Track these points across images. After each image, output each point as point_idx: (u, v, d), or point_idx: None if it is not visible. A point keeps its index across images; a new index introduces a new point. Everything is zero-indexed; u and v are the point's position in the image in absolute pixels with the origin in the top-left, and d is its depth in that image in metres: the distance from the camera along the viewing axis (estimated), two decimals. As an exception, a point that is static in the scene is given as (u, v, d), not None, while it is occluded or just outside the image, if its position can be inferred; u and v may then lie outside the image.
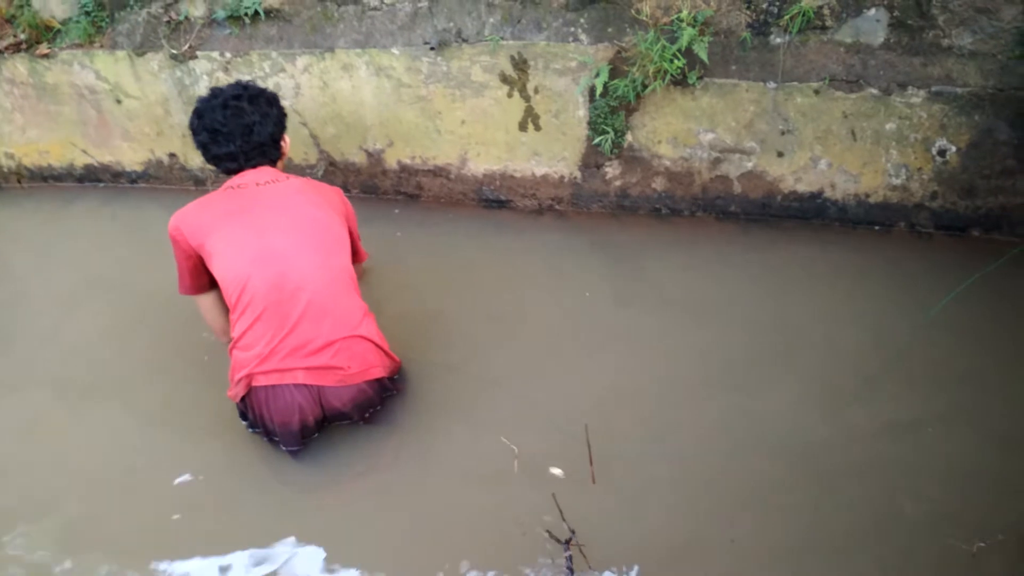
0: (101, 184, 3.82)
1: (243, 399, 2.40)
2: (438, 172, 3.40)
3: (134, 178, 3.75)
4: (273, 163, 2.54)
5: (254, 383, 2.33)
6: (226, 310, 2.55)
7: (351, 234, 2.57)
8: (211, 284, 2.53)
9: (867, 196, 3.05)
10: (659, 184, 3.22)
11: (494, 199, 3.43)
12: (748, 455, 2.38)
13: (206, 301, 2.60)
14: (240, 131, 2.41)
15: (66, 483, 2.47)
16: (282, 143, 2.57)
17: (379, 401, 2.53)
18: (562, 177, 3.29)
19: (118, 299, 3.12)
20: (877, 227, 3.11)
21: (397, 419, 2.57)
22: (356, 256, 2.64)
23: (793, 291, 2.90)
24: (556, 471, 2.38)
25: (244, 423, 2.49)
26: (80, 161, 3.76)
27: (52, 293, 3.20)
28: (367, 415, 2.51)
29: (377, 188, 3.51)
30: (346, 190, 3.52)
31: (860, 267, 2.96)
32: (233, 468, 2.47)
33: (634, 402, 2.56)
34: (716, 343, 2.74)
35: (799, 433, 2.43)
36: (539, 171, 3.29)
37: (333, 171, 3.49)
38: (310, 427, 2.41)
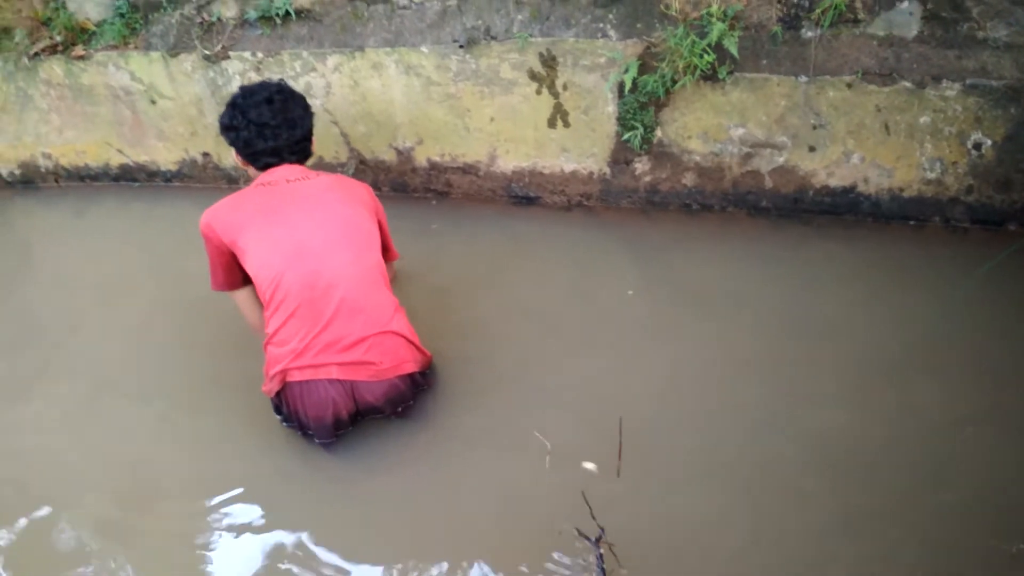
0: (136, 183, 3.88)
1: (278, 394, 2.43)
2: (467, 169, 3.41)
3: (169, 177, 3.81)
4: (304, 161, 2.58)
5: (288, 379, 2.36)
6: (260, 305, 2.58)
7: (381, 230, 2.59)
8: (244, 280, 2.57)
9: (901, 190, 3.02)
10: (689, 180, 3.21)
11: (523, 196, 3.44)
12: (780, 449, 2.37)
13: (240, 296, 2.64)
14: (286, 125, 2.47)
15: (99, 475, 2.52)
16: (312, 142, 2.61)
17: (411, 396, 2.55)
18: (591, 173, 3.29)
19: (153, 296, 3.17)
20: (911, 222, 3.08)
21: (429, 413, 2.59)
22: (387, 254, 2.67)
23: (825, 287, 2.88)
24: (589, 466, 2.39)
25: (278, 417, 2.52)
26: (116, 161, 3.83)
27: (89, 290, 3.26)
28: (399, 409, 2.53)
29: (407, 186, 3.53)
30: (376, 188, 3.54)
31: (894, 262, 2.93)
32: (267, 461, 2.51)
33: (666, 398, 2.56)
34: (748, 339, 2.72)
35: (832, 429, 2.41)
36: (568, 167, 3.30)
37: (363, 169, 3.52)
38: (344, 421, 2.44)
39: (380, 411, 2.50)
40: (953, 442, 2.35)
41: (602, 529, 2.08)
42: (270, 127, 2.45)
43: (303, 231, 2.36)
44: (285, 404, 2.44)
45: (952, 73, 2.73)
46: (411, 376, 2.51)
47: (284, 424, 2.52)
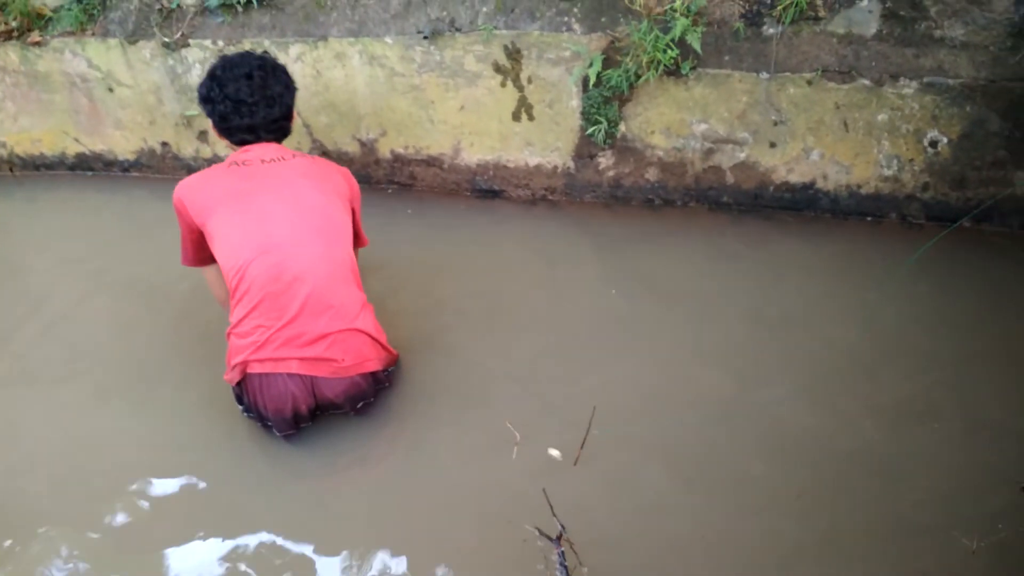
0: (93, 173, 3.80)
1: (239, 384, 2.40)
2: (431, 162, 3.40)
3: (126, 167, 3.74)
4: (282, 139, 2.53)
5: (249, 370, 2.34)
6: None
7: (354, 216, 2.55)
8: (214, 258, 2.49)
9: (859, 187, 3.06)
10: (652, 174, 3.23)
11: (487, 189, 3.43)
12: (740, 444, 2.40)
13: (210, 273, 2.61)
14: (264, 102, 2.40)
15: (45, 462, 2.49)
16: (294, 117, 2.56)
17: (372, 394, 2.53)
18: (555, 167, 3.29)
19: (111, 286, 3.12)
20: (868, 218, 3.13)
21: (392, 407, 2.58)
22: (357, 240, 2.62)
23: (784, 282, 2.91)
24: (554, 453, 2.40)
25: (240, 407, 2.50)
26: (72, 150, 3.75)
27: (44, 281, 3.19)
28: (359, 406, 2.51)
29: (370, 178, 3.51)
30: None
31: (851, 258, 2.97)
32: (227, 452, 2.48)
33: (627, 391, 2.57)
34: (709, 332, 2.75)
35: (791, 423, 2.44)
36: (532, 161, 3.30)
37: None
38: (303, 415, 2.42)
39: (340, 408, 2.48)
40: (910, 435, 2.39)
41: (563, 527, 2.07)
42: (247, 104, 2.38)
43: (272, 221, 2.32)
44: (245, 395, 2.41)
45: (910, 71, 2.78)
46: (373, 374, 2.49)
47: (245, 414, 2.50)
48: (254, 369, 2.33)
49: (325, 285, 2.32)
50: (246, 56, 2.45)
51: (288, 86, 2.49)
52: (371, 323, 2.45)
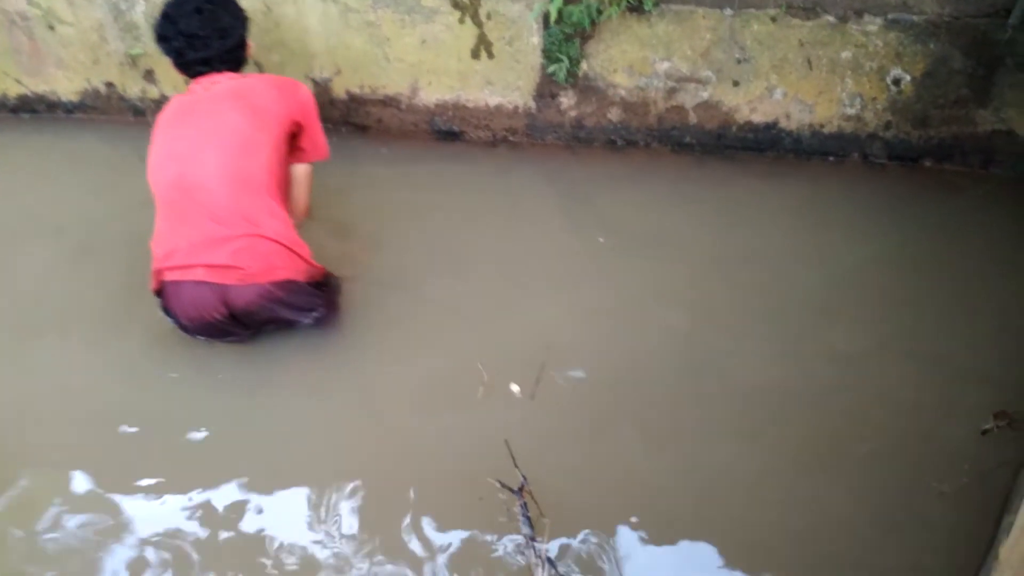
0: (35, 115, 3.65)
1: (160, 294, 2.47)
2: (388, 102, 3.30)
3: (70, 108, 3.59)
4: (238, 68, 2.57)
5: (163, 278, 2.43)
6: None
7: (301, 130, 2.58)
8: None
9: (821, 126, 3.04)
10: (614, 115, 3.17)
11: (447, 130, 3.35)
12: (699, 386, 2.41)
13: None
14: (216, 35, 2.47)
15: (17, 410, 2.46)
16: (248, 46, 2.61)
17: (301, 306, 2.53)
18: (516, 107, 3.22)
19: (58, 231, 3.01)
20: (831, 158, 3.11)
21: (346, 343, 2.59)
22: (304, 154, 2.65)
23: (746, 224, 2.90)
24: (514, 388, 2.39)
25: (168, 318, 2.52)
26: (14, 91, 3.58)
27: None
28: (306, 321, 2.54)
29: (326, 119, 3.38)
30: (294, 121, 3.41)
31: (813, 199, 2.97)
32: (178, 388, 2.50)
33: (586, 331, 2.57)
34: (671, 274, 2.74)
35: (750, 365, 2.45)
36: (492, 101, 3.22)
37: (280, 101, 3.37)
38: (218, 324, 2.45)
39: (259, 316, 2.48)
40: (868, 374, 2.41)
41: (524, 478, 2.06)
42: (200, 37, 2.44)
43: (182, 139, 2.41)
44: (165, 303, 2.48)
45: (875, 7, 2.74)
46: (292, 284, 2.48)
47: (172, 323, 2.53)
48: (166, 277, 2.41)
49: (228, 195, 2.38)
50: None
51: (238, 16, 2.55)
52: (284, 233, 2.46)
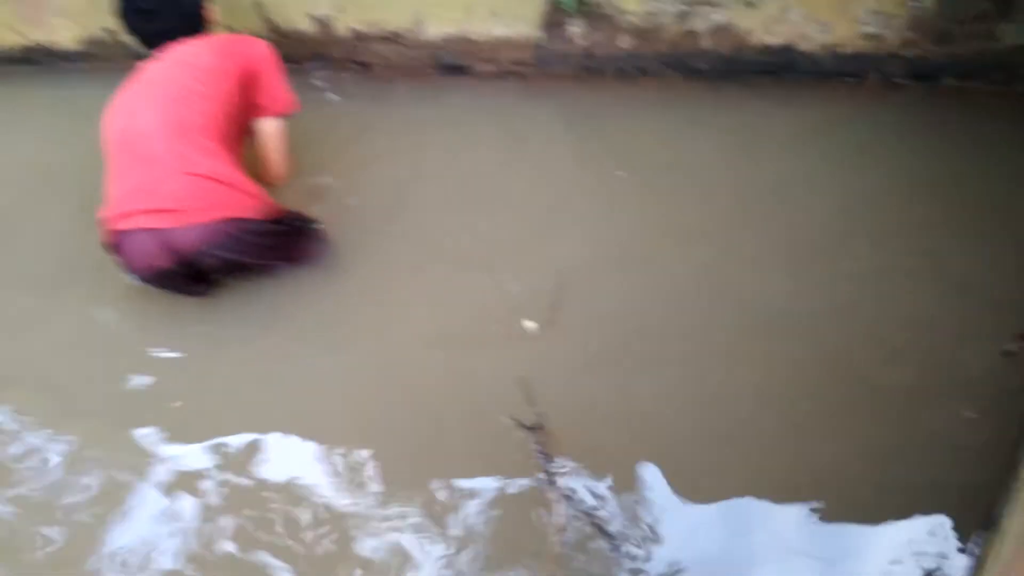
0: (37, 65, 3.60)
1: (113, 248, 2.48)
2: (393, 38, 3.22)
3: (72, 58, 3.54)
4: (198, 33, 2.59)
5: (108, 228, 2.43)
6: None
7: (256, 83, 2.59)
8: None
9: (840, 46, 2.94)
10: (625, 43, 3.08)
11: (453, 65, 3.28)
12: (717, 312, 2.41)
13: None
14: (169, 7, 2.54)
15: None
16: (207, 13, 2.65)
17: (256, 246, 2.49)
18: (524, 38, 3.14)
19: (67, 185, 3.00)
20: (849, 79, 3.02)
21: (355, 276, 2.59)
22: (265, 109, 2.66)
23: (765, 150, 2.84)
24: (529, 324, 2.39)
25: (126, 273, 2.52)
26: (13, 41, 3.54)
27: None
28: (250, 258, 2.50)
29: (330, 58, 3.33)
30: (295, 61, 3.34)
31: (831, 122, 2.90)
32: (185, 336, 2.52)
33: (604, 264, 2.56)
34: (687, 204, 2.70)
35: (774, 295, 2.44)
36: (499, 32, 3.13)
37: (281, 41, 3.29)
38: (171, 271, 2.44)
39: (208, 256, 2.43)
40: (894, 299, 2.37)
41: (540, 416, 2.05)
42: (150, 12, 2.53)
43: (133, 95, 2.47)
44: (117, 255, 2.48)
45: (894, -82, 2.62)
46: (239, 222, 2.43)
47: (130, 277, 2.53)
48: (112, 227, 2.41)
49: (164, 140, 2.38)
50: None
51: None
52: (224, 171, 2.43)
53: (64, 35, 3.46)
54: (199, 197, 2.38)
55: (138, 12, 2.54)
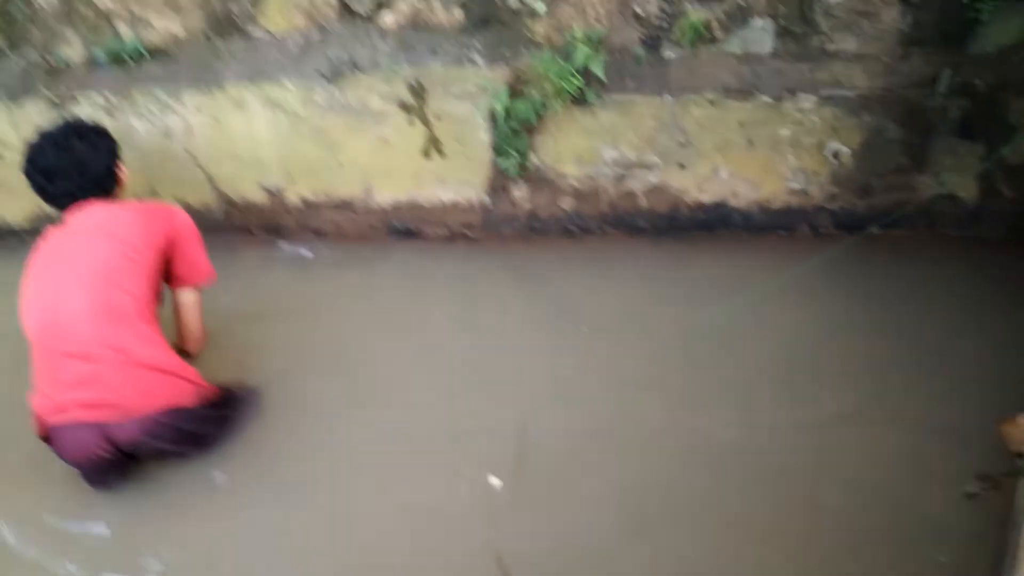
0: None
1: (46, 439, 2.37)
2: (343, 206, 3.31)
3: (22, 235, 3.54)
4: (109, 195, 2.51)
5: (45, 423, 2.32)
6: None
7: (175, 254, 2.54)
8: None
9: (768, 202, 3.10)
10: (567, 204, 3.21)
11: (404, 230, 3.36)
12: (672, 466, 2.37)
13: None
14: (75, 168, 2.42)
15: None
16: (118, 173, 2.57)
17: (196, 429, 2.44)
18: (470, 203, 3.25)
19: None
20: (781, 232, 3.16)
21: (299, 441, 2.50)
22: (183, 279, 2.62)
23: (706, 301, 2.91)
24: (494, 481, 2.33)
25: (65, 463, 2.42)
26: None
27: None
28: (189, 446, 2.44)
29: (282, 227, 3.40)
30: (248, 232, 3.40)
31: (768, 273, 2.98)
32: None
33: (559, 417, 2.54)
34: (636, 356, 2.73)
35: (724, 442, 2.42)
36: (447, 198, 3.25)
37: (232, 212, 3.36)
38: (106, 462, 2.34)
39: (148, 447, 2.37)
40: (841, 442, 2.39)
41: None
42: (57, 173, 2.42)
43: (47, 279, 2.34)
44: (53, 447, 2.37)
45: (807, 86, 2.84)
46: (176, 411, 2.37)
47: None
48: (47, 422, 2.31)
49: (93, 328, 2.28)
50: (61, 125, 2.51)
51: (97, 147, 2.50)
52: (160, 357, 2.38)
53: (14, 213, 3.49)
54: (139, 389, 2.31)
55: (43, 173, 2.42)
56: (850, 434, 2.41)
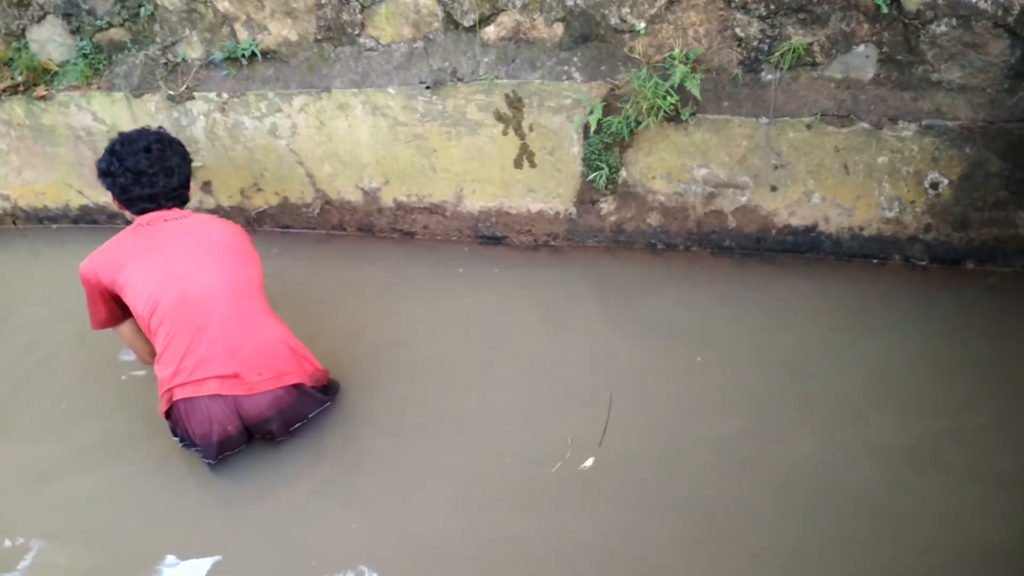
0: (96, 225, 3.81)
1: (169, 415, 2.46)
2: (434, 209, 3.41)
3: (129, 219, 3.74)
4: (181, 206, 2.64)
5: (174, 397, 2.40)
6: (143, 336, 2.68)
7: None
8: (124, 315, 2.66)
9: (861, 229, 3.07)
10: (654, 219, 3.24)
11: (490, 235, 3.44)
12: (747, 485, 2.36)
13: (124, 329, 2.72)
14: (163, 173, 2.55)
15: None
16: (190, 188, 2.71)
17: (305, 411, 2.56)
18: (557, 213, 3.31)
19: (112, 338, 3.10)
20: (872, 260, 3.13)
21: (380, 438, 2.59)
22: None
23: (789, 324, 2.89)
24: (588, 463, 2.42)
25: (176, 440, 2.54)
26: (76, 202, 3.77)
27: (48, 335, 3.18)
28: (291, 428, 2.54)
29: (373, 226, 3.52)
30: (342, 228, 3.53)
31: (854, 301, 2.96)
32: (156, 483, 2.51)
33: (634, 433, 2.54)
34: (714, 375, 2.72)
35: (798, 463, 2.40)
36: (534, 207, 3.31)
37: (329, 209, 3.50)
38: (232, 437, 2.44)
39: (270, 425, 2.47)
40: (911, 483, 2.34)
41: None
42: (147, 175, 2.52)
43: (175, 259, 2.45)
44: (176, 424, 2.47)
45: (908, 114, 2.80)
46: (299, 388, 2.50)
47: (182, 445, 2.54)
48: (177, 396, 2.39)
49: (227, 302, 2.42)
50: (143, 132, 2.61)
51: (184, 157, 2.65)
52: (286, 337, 2.50)
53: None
54: (272, 365, 2.43)
55: (133, 173, 2.50)
56: (917, 472, 2.34)
